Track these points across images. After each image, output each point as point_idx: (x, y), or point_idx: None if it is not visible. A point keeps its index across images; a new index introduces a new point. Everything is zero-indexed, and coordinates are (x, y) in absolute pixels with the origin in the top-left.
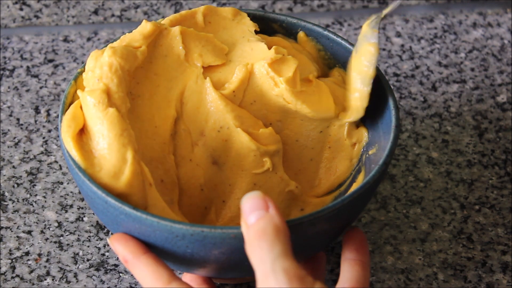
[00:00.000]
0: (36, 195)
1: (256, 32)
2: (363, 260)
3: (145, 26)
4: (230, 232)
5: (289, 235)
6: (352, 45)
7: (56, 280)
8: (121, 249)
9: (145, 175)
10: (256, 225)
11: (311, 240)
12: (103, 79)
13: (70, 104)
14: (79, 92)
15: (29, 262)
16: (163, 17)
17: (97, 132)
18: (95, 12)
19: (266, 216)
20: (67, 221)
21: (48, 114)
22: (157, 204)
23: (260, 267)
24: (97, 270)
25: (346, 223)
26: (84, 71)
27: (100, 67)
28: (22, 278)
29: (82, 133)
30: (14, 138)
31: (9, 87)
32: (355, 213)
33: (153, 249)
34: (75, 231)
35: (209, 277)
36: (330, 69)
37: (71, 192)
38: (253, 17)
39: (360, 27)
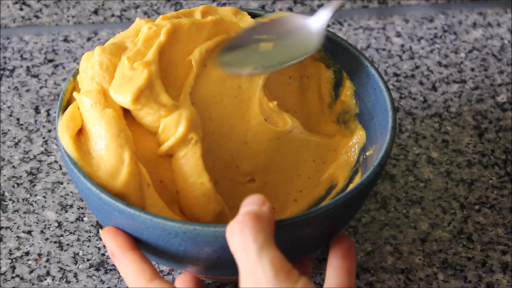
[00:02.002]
0: (36, 195)
1: None
2: (349, 267)
3: (139, 24)
4: (222, 230)
5: (273, 229)
6: (352, 45)
7: (56, 280)
8: (110, 242)
9: (142, 175)
10: (242, 214)
11: (303, 241)
12: (96, 78)
13: (68, 101)
14: (75, 94)
15: (29, 262)
16: None
17: (95, 133)
18: (95, 12)
19: (255, 208)
20: (67, 221)
21: (48, 114)
22: (155, 204)
23: (242, 254)
24: (97, 270)
25: (340, 224)
26: None
27: (91, 67)
28: (22, 278)
29: (80, 133)
30: (14, 138)
31: (9, 87)
32: (349, 214)
33: (146, 246)
34: (75, 231)
35: (200, 279)
36: (329, 68)
37: (71, 192)
38: (253, 17)
39: (360, 27)
